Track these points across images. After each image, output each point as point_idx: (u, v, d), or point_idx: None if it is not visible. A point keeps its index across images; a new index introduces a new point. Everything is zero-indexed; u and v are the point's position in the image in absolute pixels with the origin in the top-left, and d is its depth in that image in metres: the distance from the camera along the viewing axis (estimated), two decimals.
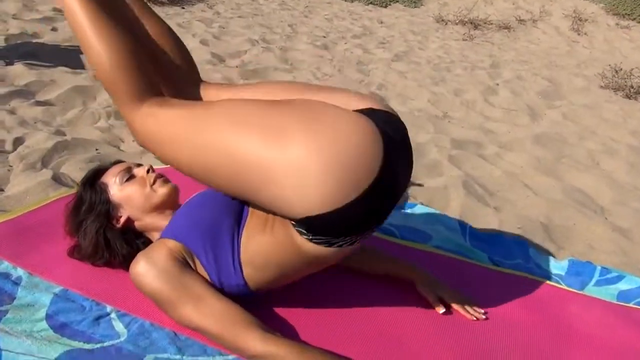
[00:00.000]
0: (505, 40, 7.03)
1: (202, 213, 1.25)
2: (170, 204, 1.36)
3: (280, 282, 1.25)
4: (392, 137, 1.07)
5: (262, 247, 1.18)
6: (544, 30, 7.83)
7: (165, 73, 1.32)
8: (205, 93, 1.32)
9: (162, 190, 1.34)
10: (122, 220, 1.33)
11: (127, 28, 1.20)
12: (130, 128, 1.16)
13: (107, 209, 1.33)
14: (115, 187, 1.34)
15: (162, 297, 1.17)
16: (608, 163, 2.98)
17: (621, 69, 5.10)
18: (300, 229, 1.07)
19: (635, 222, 2.23)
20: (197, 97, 1.31)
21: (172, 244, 1.22)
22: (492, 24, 7.68)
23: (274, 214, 1.14)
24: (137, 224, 1.35)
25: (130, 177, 1.36)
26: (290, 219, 1.08)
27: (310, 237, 1.07)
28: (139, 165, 1.41)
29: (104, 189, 1.34)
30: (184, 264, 1.20)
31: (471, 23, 7.46)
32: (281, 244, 1.14)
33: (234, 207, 1.25)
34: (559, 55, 6.36)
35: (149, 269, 1.18)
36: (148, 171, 1.36)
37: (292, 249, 1.13)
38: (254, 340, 1.10)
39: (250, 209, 1.24)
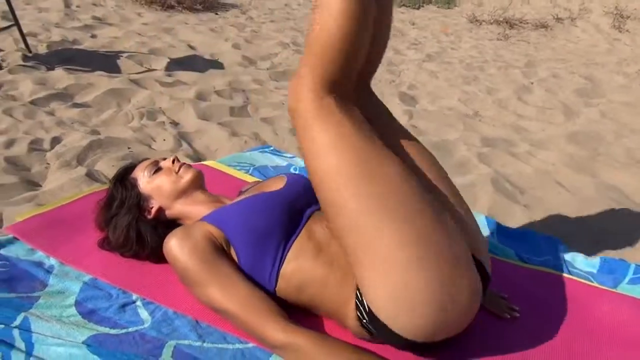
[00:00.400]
0: (542, 39, 6.87)
1: (254, 215, 1.25)
2: (196, 186, 1.41)
3: (306, 309, 1.25)
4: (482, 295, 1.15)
5: (307, 274, 1.20)
6: (584, 29, 7.61)
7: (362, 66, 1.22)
8: (369, 106, 1.26)
9: (187, 175, 1.39)
10: (154, 210, 1.38)
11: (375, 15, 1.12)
12: (297, 104, 1.10)
13: (139, 201, 1.38)
14: (144, 180, 1.40)
15: (191, 273, 1.19)
16: None
17: None
18: (362, 311, 1.11)
19: None
20: (365, 106, 1.22)
21: (212, 228, 1.24)
22: (528, 23, 7.52)
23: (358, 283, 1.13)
24: (168, 212, 1.40)
25: (157, 169, 1.41)
26: (361, 301, 1.11)
27: (364, 321, 1.12)
28: (164, 158, 1.46)
29: (134, 184, 1.40)
30: (220, 248, 1.22)
31: (506, 22, 7.32)
32: (330, 289, 1.18)
33: (292, 215, 1.26)
34: (598, 54, 6.16)
35: (184, 242, 1.20)
36: (173, 161, 1.41)
37: (337, 303, 1.17)
38: (275, 329, 1.10)
39: (310, 227, 1.26)
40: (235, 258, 1.23)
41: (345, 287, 1.16)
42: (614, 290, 1.58)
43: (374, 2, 1.09)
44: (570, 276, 1.62)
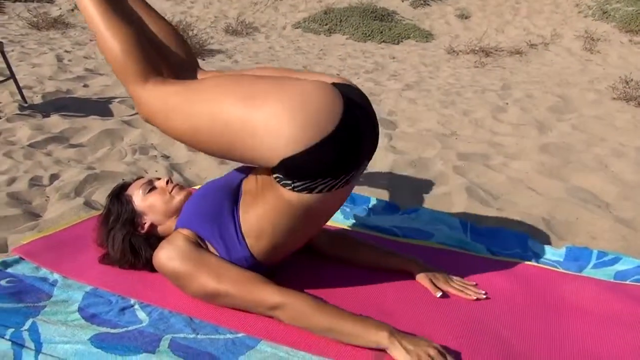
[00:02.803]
0: (517, 64, 7.17)
1: (205, 201, 1.44)
2: None
3: (282, 249, 1.40)
4: (351, 98, 1.28)
5: (257, 216, 1.35)
6: (556, 53, 7.94)
7: (167, 61, 1.53)
8: (202, 77, 1.53)
9: (179, 196, 1.53)
10: (147, 226, 1.51)
11: (132, 21, 1.41)
12: (136, 103, 1.36)
13: (133, 217, 1.51)
14: (139, 198, 1.53)
15: (181, 272, 1.34)
16: (616, 165, 3.03)
17: (632, 80, 5.15)
18: (281, 176, 1.23)
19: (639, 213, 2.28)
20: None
21: (186, 231, 1.41)
22: (503, 50, 7.84)
23: (254, 163, 1.30)
24: (160, 228, 1.53)
25: (151, 188, 1.54)
26: (270, 167, 1.24)
27: (292, 183, 1.23)
28: (159, 178, 1.60)
29: (129, 200, 1.53)
30: (198, 245, 1.38)
31: (482, 51, 7.63)
32: (272, 206, 1.31)
33: (231, 190, 1.44)
34: (571, 74, 6.43)
35: (169, 250, 1.36)
36: (167, 182, 1.55)
37: (281, 205, 1.29)
38: (271, 292, 1.28)
39: (243, 188, 1.43)
40: (212, 248, 1.39)
41: (275, 192, 1.28)
42: (578, 274, 1.71)
43: (130, 23, 1.37)
44: (538, 264, 1.74)
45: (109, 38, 1.33)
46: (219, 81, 1.30)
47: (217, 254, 1.38)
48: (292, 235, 1.37)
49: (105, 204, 1.56)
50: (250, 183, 1.43)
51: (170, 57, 1.55)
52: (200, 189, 1.53)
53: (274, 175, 1.25)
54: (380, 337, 1.19)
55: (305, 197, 1.24)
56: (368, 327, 1.21)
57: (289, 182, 1.22)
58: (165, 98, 1.30)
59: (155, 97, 1.32)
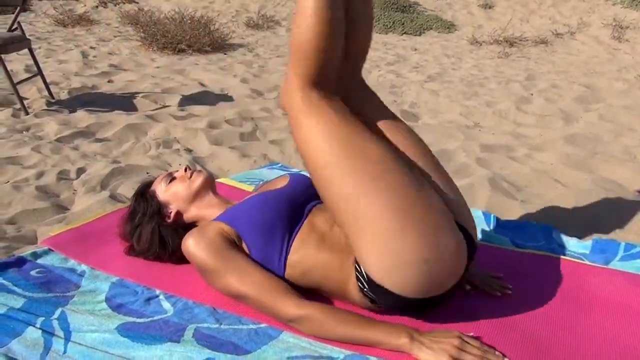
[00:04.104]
0: (542, 54, 7.03)
1: (261, 211, 1.39)
2: (207, 188, 1.56)
3: (313, 291, 1.38)
4: (471, 240, 1.30)
5: (312, 260, 1.33)
6: (583, 41, 7.77)
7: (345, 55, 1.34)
8: (361, 96, 1.41)
9: (199, 179, 1.55)
10: (173, 214, 1.53)
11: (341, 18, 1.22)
12: (288, 102, 1.25)
13: (159, 209, 1.53)
14: (161, 190, 1.56)
15: (209, 266, 1.33)
16: None
17: None
18: (362, 280, 1.24)
19: None
20: (357, 96, 1.39)
21: (224, 226, 1.38)
22: (528, 40, 7.70)
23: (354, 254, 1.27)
24: (185, 216, 1.55)
25: (172, 179, 1.57)
26: (361, 271, 1.24)
27: (365, 289, 1.25)
28: (177, 170, 1.62)
29: (153, 196, 1.56)
30: (232, 242, 1.37)
31: (506, 41, 7.51)
32: (333, 270, 1.31)
33: (293, 208, 1.41)
34: (598, 63, 6.29)
35: (200, 240, 1.35)
36: (185, 169, 1.57)
37: (340, 281, 1.30)
38: (289, 305, 1.25)
39: (311, 218, 1.40)
40: (247, 251, 1.38)
41: (346, 268, 1.29)
42: (605, 267, 1.67)
43: (341, 3, 1.22)
44: (563, 256, 1.71)
45: (312, 17, 1.16)
46: (384, 165, 1.19)
47: (249, 254, 1.37)
48: (329, 294, 1.38)
49: (130, 203, 1.58)
50: (321, 218, 1.38)
51: (351, 53, 1.35)
52: (260, 194, 1.47)
53: (357, 269, 1.25)
54: (402, 343, 1.18)
55: (364, 300, 1.28)
56: (389, 334, 1.19)
57: (364, 287, 1.25)
58: (316, 120, 1.20)
59: (307, 109, 1.21)
